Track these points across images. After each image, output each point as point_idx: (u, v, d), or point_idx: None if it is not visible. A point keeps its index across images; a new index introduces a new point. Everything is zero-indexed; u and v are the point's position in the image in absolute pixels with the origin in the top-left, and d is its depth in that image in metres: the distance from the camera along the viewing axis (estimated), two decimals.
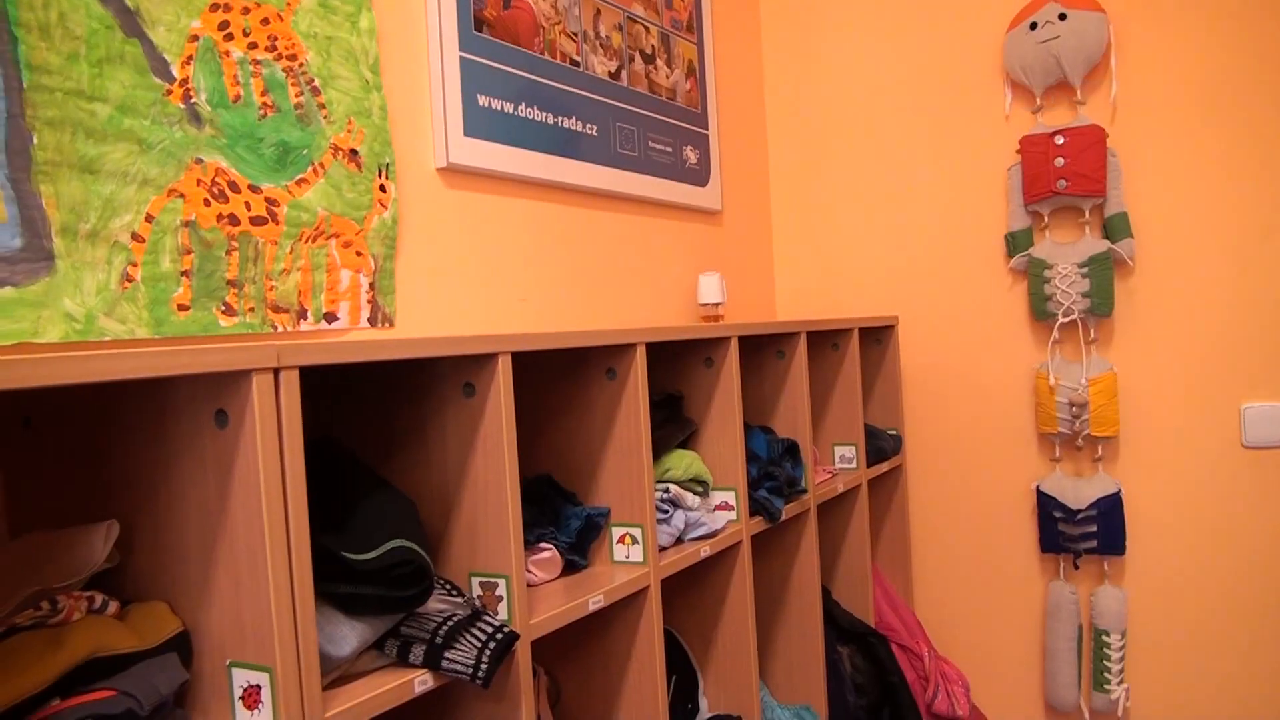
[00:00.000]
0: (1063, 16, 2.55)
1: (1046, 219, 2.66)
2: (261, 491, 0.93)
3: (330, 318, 1.55)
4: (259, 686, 0.95)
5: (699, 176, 2.58)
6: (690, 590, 1.87)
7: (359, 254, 1.60)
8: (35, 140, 1.19)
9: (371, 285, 1.62)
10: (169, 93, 1.33)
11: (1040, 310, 2.65)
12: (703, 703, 1.85)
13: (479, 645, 1.14)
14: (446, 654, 1.12)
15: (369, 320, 1.62)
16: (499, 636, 1.16)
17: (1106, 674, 2.60)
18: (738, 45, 2.88)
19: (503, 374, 1.23)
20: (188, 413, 0.97)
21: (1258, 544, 2.52)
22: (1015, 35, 2.63)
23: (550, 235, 2.05)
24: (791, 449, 2.04)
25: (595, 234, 2.19)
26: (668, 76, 2.45)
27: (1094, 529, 2.60)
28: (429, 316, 1.73)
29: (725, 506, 1.80)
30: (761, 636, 2.16)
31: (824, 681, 2.13)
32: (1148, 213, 2.56)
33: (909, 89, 2.85)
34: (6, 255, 1.16)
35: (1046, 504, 2.65)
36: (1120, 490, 2.59)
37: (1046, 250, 2.63)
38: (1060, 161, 2.56)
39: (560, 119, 2.05)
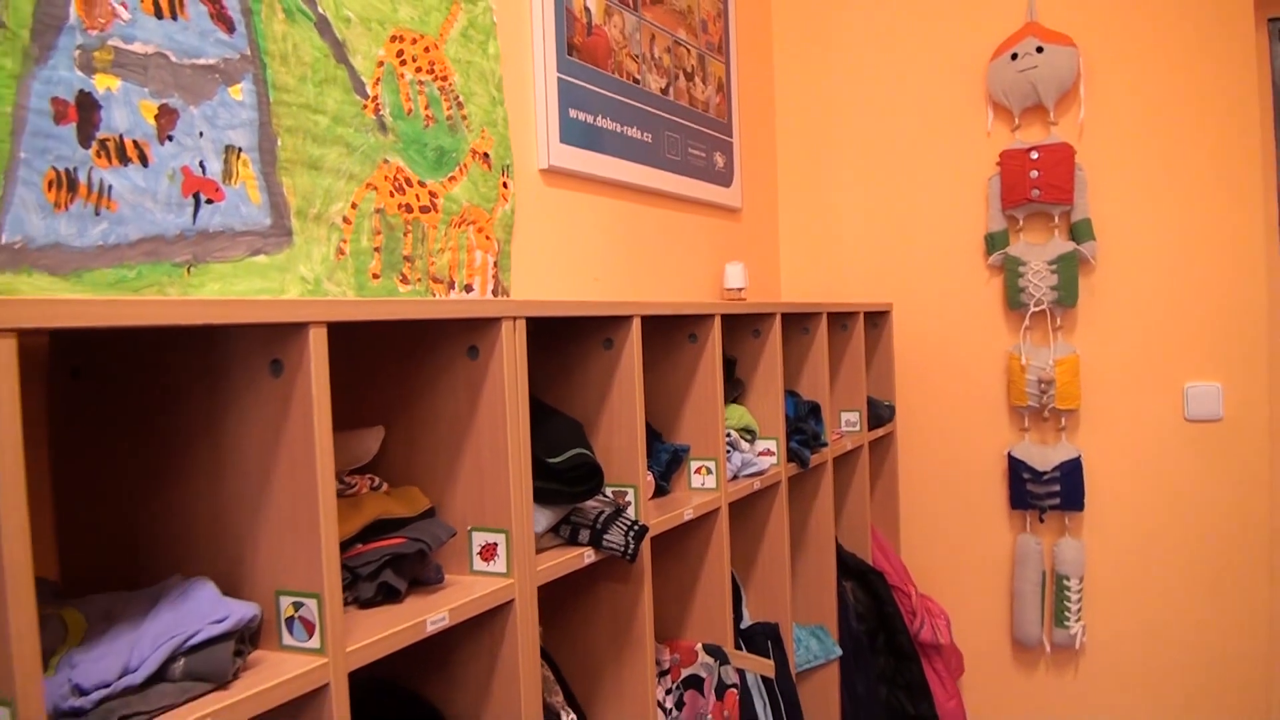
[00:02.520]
0: (1040, 49, 2.96)
1: (1021, 222, 3.08)
2: (505, 409, 1.30)
3: (468, 288, 1.92)
4: (495, 544, 1.33)
5: (725, 178, 2.97)
6: (736, 521, 2.26)
7: (487, 238, 1.97)
8: (279, 143, 1.55)
9: (495, 264, 2.00)
10: (365, 107, 1.70)
11: (1014, 301, 3.07)
12: (745, 613, 2.25)
13: (625, 532, 1.52)
14: (605, 537, 1.50)
15: (492, 291, 1.99)
16: (636, 528, 1.54)
17: (1066, 613, 3.03)
18: (755, 65, 3.27)
19: (634, 334, 1.61)
20: (446, 351, 1.34)
21: (1197, 503, 2.96)
22: (998, 64, 3.05)
23: (616, 226, 2.43)
24: (815, 410, 2.43)
25: (647, 226, 2.57)
26: (703, 91, 2.84)
27: (1057, 489, 3.02)
28: (532, 290, 2.10)
29: (768, 453, 2.19)
30: None
31: (835, 608, 2.53)
32: (1108, 219, 2.99)
33: (902, 107, 3.26)
34: (260, 231, 1.52)
35: (1016, 467, 3.07)
36: (1080, 456, 3.02)
37: (1021, 249, 3.05)
38: (1034, 174, 2.98)
39: (625, 128, 2.43)
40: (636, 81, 2.49)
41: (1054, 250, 2.99)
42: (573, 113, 2.22)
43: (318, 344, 1.02)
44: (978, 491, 3.19)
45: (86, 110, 1.27)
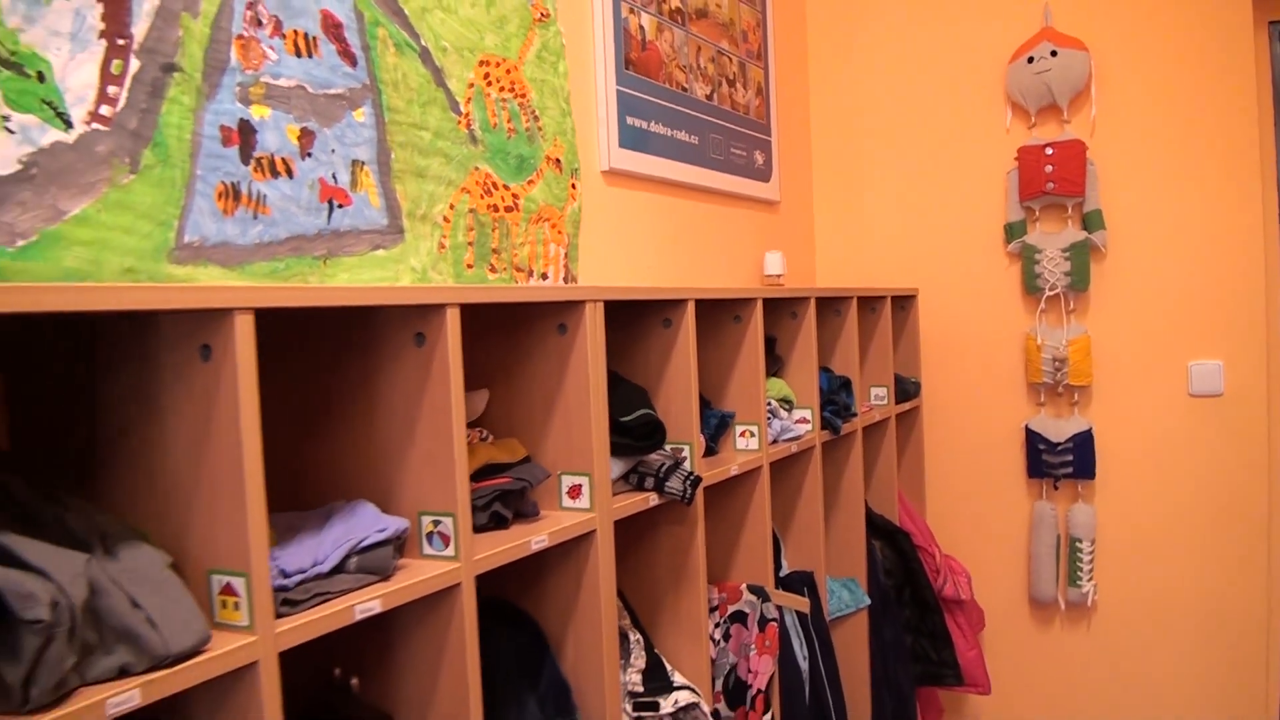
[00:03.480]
0: (1054, 53, 3.22)
1: (1037, 213, 3.34)
2: (589, 375, 1.60)
3: (544, 276, 2.22)
4: (580, 485, 1.63)
5: (764, 174, 3.25)
6: (775, 481, 2.55)
7: (559, 232, 2.27)
8: (393, 155, 1.85)
9: (565, 254, 2.29)
10: (459, 122, 2.00)
11: (1031, 285, 3.33)
12: (784, 562, 2.54)
13: (683, 480, 1.82)
14: (667, 484, 1.79)
15: (563, 279, 2.29)
16: (693, 477, 1.84)
17: (1079, 573, 3.30)
18: (790, 70, 3.55)
19: (689, 315, 1.91)
20: (539, 328, 1.64)
21: (1199, 471, 3.21)
22: (1015, 67, 3.31)
23: (667, 220, 2.71)
24: (846, 384, 2.71)
25: (694, 219, 2.86)
26: (743, 96, 3.12)
27: (1070, 459, 3.29)
28: (596, 276, 2.40)
29: (803, 421, 2.48)
30: None
31: (864, 562, 2.81)
32: (1118, 210, 3.25)
33: (927, 107, 3.52)
34: (379, 229, 1.82)
35: (1033, 439, 3.34)
36: (1092, 428, 3.28)
37: (1037, 238, 3.31)
38: (1049, 168, 3.24)
39: (675, 132, 2.72)
40: (684, 89, 2.77)
41: (1068, 239, 3.25)
42: (629, 120, 2.51)
43: (453, 321, 1.32)
44: (997, 461, 3.46)
45: (246, 135, 1.58)
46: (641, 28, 2.57)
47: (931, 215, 3.54)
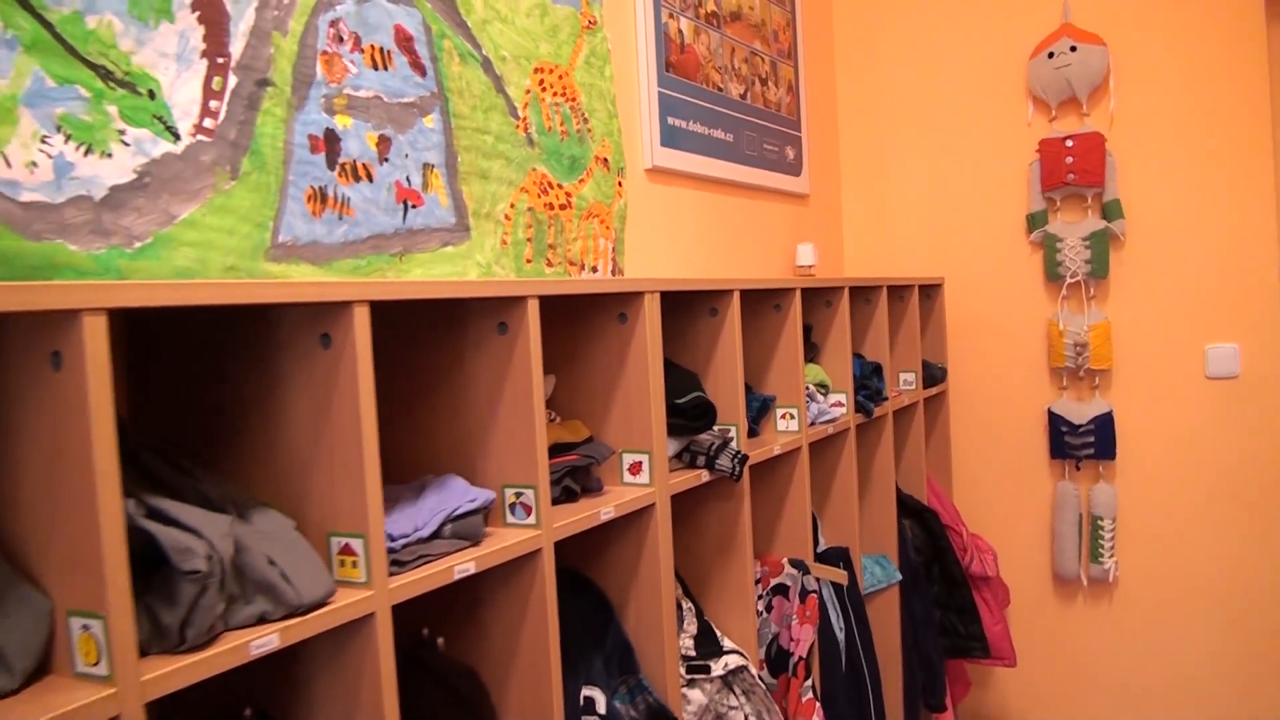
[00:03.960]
0: (1074, 48, 3.33)
1: (1058, 203, 3.46)
2: (648, 360, 1.73)
3: (594, 269, 2.35)
4: (640, 462, 1.76)
5: (795, 169, 3.37)
6: (812, 462, 2.67)
7: (607, 228, 2.40)
8: (459, 159, 1.99)
9: (613, 248, 2.43)
10: (518, 126, 2.13)
11: (1053, 273, 3.45)
12: (821, 539, 2.67)
13: (731, 458, 1.95)
14: (717, 461, 1.93)
15: (611, 271, 2.42)
16: (740, 455, 1.97)
17: (1101, 550, 3.42)
18: (819, 68, 3.67)
19: (735, 305, 2.04)
20: (600, 317, 1.77)
21: (1216, 451, 3.33)
22: (1036, 62, 3.42)
23: (705, 214, 2.84)
24: (877, 369, 2.84)
25: (730, 212, 2.99)
26: (775, 94, 3.24)
27: (1092, 440, 3.41)
28: (640, 269, 2.53)
29: (839, 404, 2.61)
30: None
31: (895, 540, 2.94)
32: (1136, 199, 3.36)
33: (951, 102, 3.64)
34: (448, 227, 1.96)
35: (1055, 421, 3.46)
36: (1112, 410, 3.40)
37: (1058, 227, 3.43)
38: (1069, 160, 3.36)
39: (712, 130, 2.85)
40: (720, 89, 2.90)
41: (1088, 228, 3.37)
42: (670, 120, 2.64)
43: (533, 311, 1.46)
44: (1021, 443, 3.59)
45: (331, 142, 1.72)
46: (680, 31, 2.70)
47: (956, 206, 3.66)
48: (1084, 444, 3.42)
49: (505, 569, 1.49)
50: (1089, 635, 3.54)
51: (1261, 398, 3.26)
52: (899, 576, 2.91)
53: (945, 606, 3.17)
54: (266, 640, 1.07)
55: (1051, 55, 3.38)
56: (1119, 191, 3.36)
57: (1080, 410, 3.43)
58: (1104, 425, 3.40)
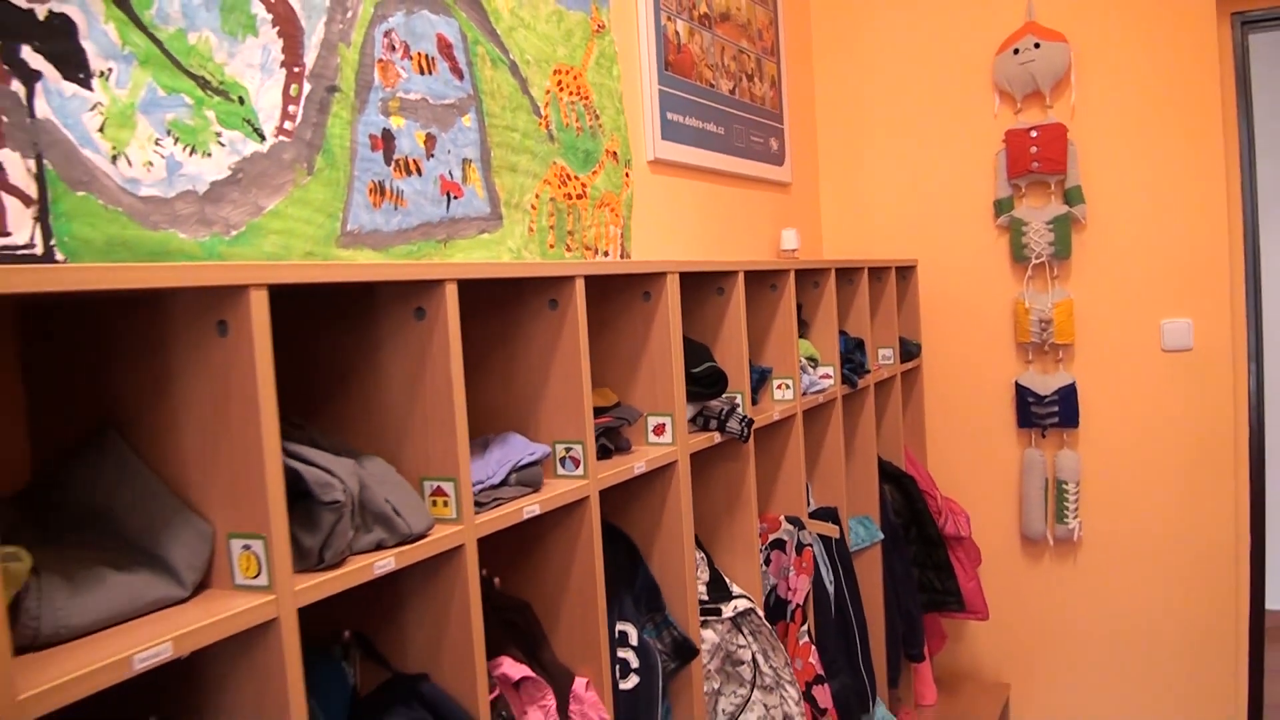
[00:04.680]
0: (1037, 45, 3.58)
1: (1024, 189, 3.71)
2: (670, 333, 1.95)
3: (605, 253, 2.57)
4: (664, 424, 1.99)
5: (778, 159, 3.60)
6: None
7: (617, 215, 2.62)
8: (492, 154, 2.20)
9: (621, 234, 2.64)
10: (540, 124, 2.34)
11: (1019, 255, 3.70)
12: (811, 499, 2.90)
13: (740, 421, 2.17)
14: (727, 425, 2.15)
15: (620, 255, 2.64)
16: (747, 419, 2.20)
17: (1066, 511, 3.69)
18: (799, 64, 3.89)
19: (740, 284, 2.26)
20: (625, 296, 1.99)
21: (1172, 419, 3.60)
22: (1002, 58, 3.67)
23: (701, 202, 3.06)
24: (860, 344, 3.08)
25: (721, 200, 3.21)
26: (760, 89, 3.47)
27: (1056, 410, 3.67)
28: (645, 253, 2.75)
29: (826, 376, 2.84)
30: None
31: (877, 503, 3.18)
32: (1096, 185, 3.62)
33: (922, 95, 3.88)
34: (484, 216, 2.17)
35: (1022, 393, 3.72)
36: (1075, 382, 3.66)
37: (1023, 212, 3.68)
38: (1034, 149, 3.60)
39: (705, 124, 3.06)
40: (712, 86, 3.12)
41: (1051, 212, 3.62)
42: (669, 115, 2.86)
43: (580, 290, 1.68)
44: (990, 413, 3.84)
45: (388, 141, 1.92)
46: (677, 33, 2.91)
47: (928, 193, 3.90)
48: (1049, 413, 3.68)
49: (558, 514, 1.71)
50: (1055, 590, 3.81)
51: (1212, 368, 3.53)
52: (881, 536, 3.15)
53: (923, 564, 3.42)
54: (385, 562, 1.29)
55: (1017, 51, 3.63)
56: (1080, 178, 3.61)
57: (1045, 382, 3.69)
58: (1067, 396, 3.65)
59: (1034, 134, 3.60)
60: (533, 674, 1.63)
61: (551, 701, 1.65)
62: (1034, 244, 3.65)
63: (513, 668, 1.61)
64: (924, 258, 3.90)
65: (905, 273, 3.77)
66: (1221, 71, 3.50)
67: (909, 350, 3.63)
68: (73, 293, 0.99)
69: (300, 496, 1.24)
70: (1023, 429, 3.79)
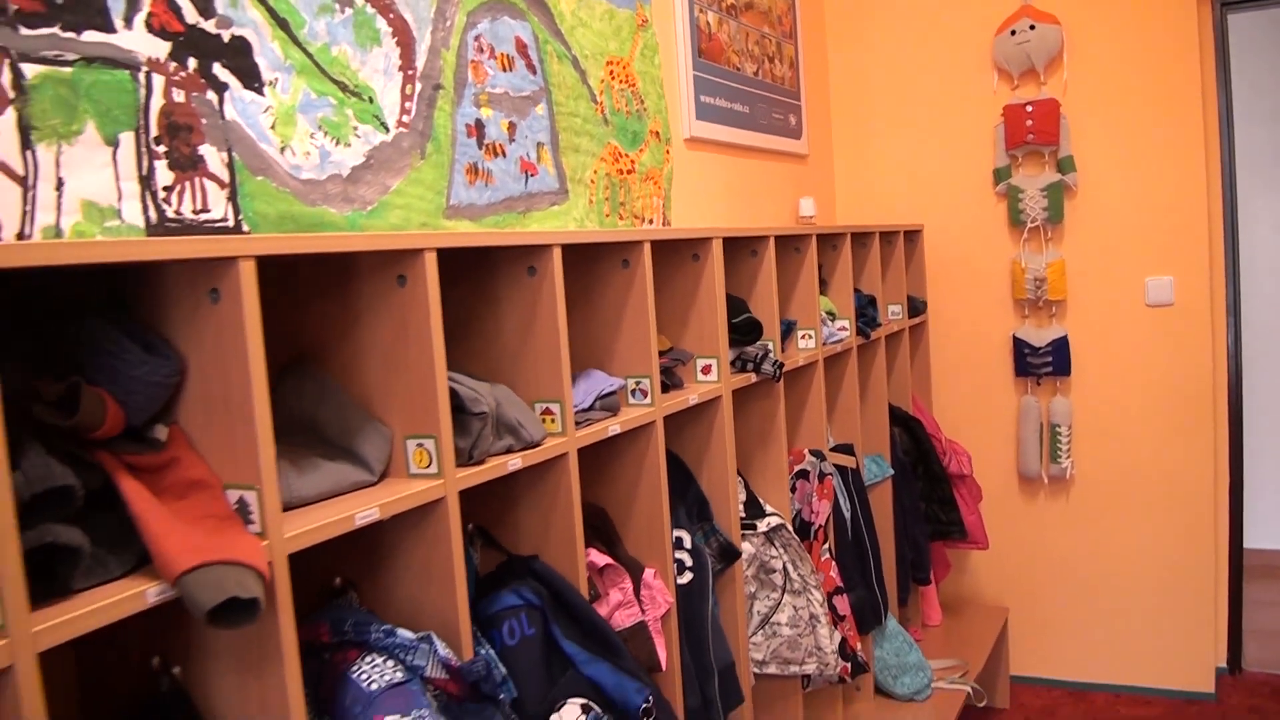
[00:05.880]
0: (1033, 27, 3.93)
1: (1020, 159, 4.07)
2: (716, 289, 2.33)
3: (650, 222, 2.94)
4: (710, 365, 2.37)
5: (796, 133, 3.96)
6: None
7: (659, 188, 2.99)
8: (560, 137, 2.57)
9: (663, 204, 3.02)
10: (597, 109, 2.71)
11: (1015, 219, 4.07)
12: (830, 438, 3.29)
13: (773, 364, 2.56)
14: (762, 367, 2.53)
15: (662, 223, 3.01)
16: (779, 363, 2.58)
17: (1059, 452, 4.07)
18: (814, 46, 4.25)
19: (770, 248, 2.63)
20: (677, 257, 2.37)
21: (1154, 368, 3.98)
22: (1000, 39, 4.02)
23: (729, 174, 3.43)
24: (872, 301, 3.45)
25: (746, 173, 3.58)
26: (779, 69, 3.82)
27: (1050, 360, 4.05)
28: (682, 221, 3.12)
29: (843, 328, 3.22)
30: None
31: (888, 442, 3.57)
32: (1086, 155, 3.98)
33: (927, 73, 4.23)
34: (554, 192, 2.54)
35: (1019, 345, 4.10)
36: (1067, 334, 4.04)
37: (1020, 180, 4.04)
38: (1029, 122, 3.96)
39: (733, 104, 3.43)
40: (738, 69, 3.48)
41: (1045, 180, 3.99)
42: (702, 98, 3.22)
43: (647, 252, 2.05)
44: (990, 363, 4.23)
45: (480, 129, 2.30)
46: (708, 23, 3.27)
47: (932, 163, 4.26)
48: (1043, 363, 4.06)
49: (631, 434, 2.10)
50: (1050, 524, 4.21)
51: (1192, 322, 3.91)
52: (891, 472, 3.54)
53: (929, 499, 3.81)
54: (515, 461, 1.68)
55: (1014, 33, 3.98)
56: (1071, 149, 3.97)
57: (1040, 335, 4.06)
58: (1060, 347, 4.03)
59: (1029, 108, 3.96)
60: (613, 562, 2.03)
61: (629, 585, 2.04)
62: (1029, 209, 4.02)
63: (598, 557, 2.01)
64: (929, 222, 4.27)
65: (912, 236, 4.13)
66: (1201, 50, 3.85)
67: (916, 306, 4.01)
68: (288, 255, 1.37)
69: (454, 411, 1.62)
70: (1019, 377, 4.17)
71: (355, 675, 1.47)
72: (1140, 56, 3.87)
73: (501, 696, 1.56)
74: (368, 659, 1.49)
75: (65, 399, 1.20)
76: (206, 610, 1.12)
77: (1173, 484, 3.98)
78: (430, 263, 1.51)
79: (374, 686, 1.46)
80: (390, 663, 1.49)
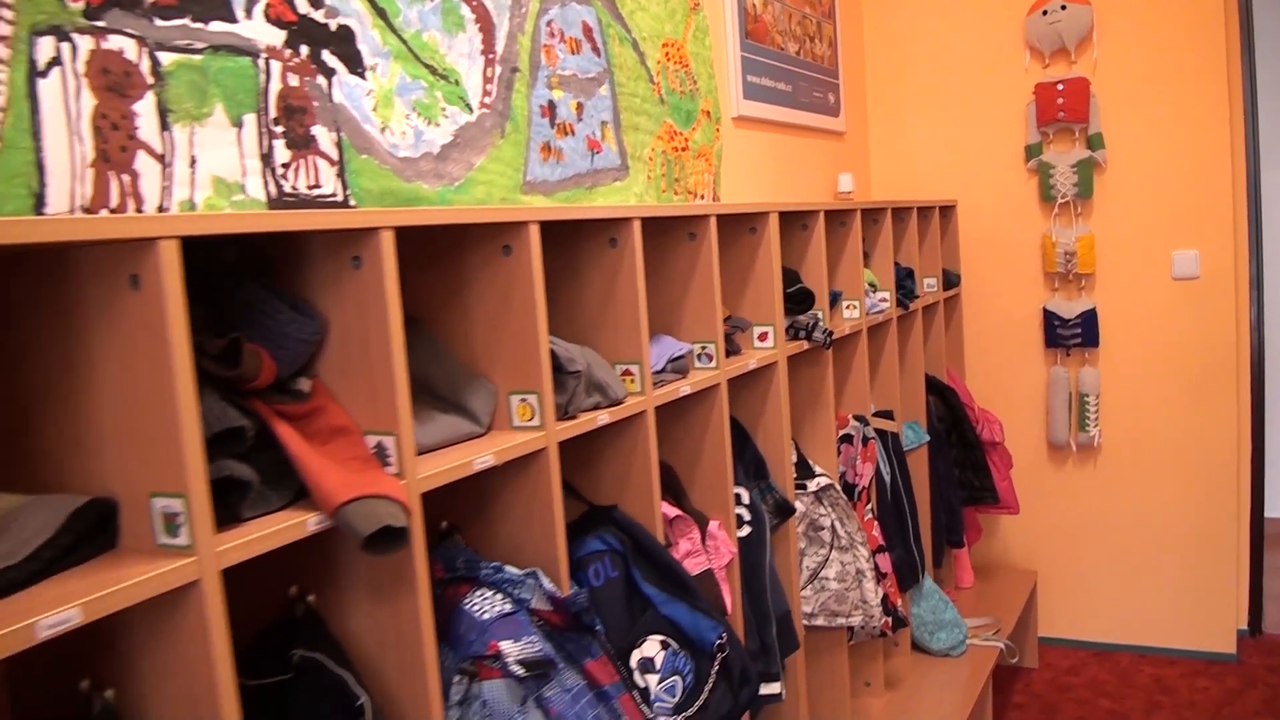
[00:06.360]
0: (1064, 7, 4.04)
1: (1051, 136, 4.19)
2: (773, 262, 2.47)
3: (701, 197, 3.09)
4: (767, 333, 2.51)
5: (834, 110, 4.09)
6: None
7: (710, 164, 3.13)
8: (621, 117, 2.71)
9: (713, 180, 3.16)
10: (653, 90, 2.85)
11: (1046, 194, 4.19)
12: (871, 404, 3.43)
13: (823, 333, 2.70)
14: (813, 334, 2.68)
15: (712, 198, 3.15)
16: (829, 331, 2.72)
17: (1087, 421, 4.21)
18: (852, 25, 4.37)
19: (821, 222, 2.77)
20: (734, 230, 2.51)
21: (1180, 339, 4.10)
22: (1033, 18, 4.13)
23: (774, 151, 3.57)
24: (910, 273, 3.59)
25: (789, 149, 3.71)
26: (819, 49, 3.95)
27: (1079, 331, 4.18)
28: (731, 196, 3.26)
29: (884, 300, 3.36)
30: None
31: (924, 410, 3.71)
32: (1115, 132, 4.10)
33: (961, 52, 4.35)
34: (616, 168, 2.68)
35: (1049, 317, 4.23)
36: (1096, 307, 4.17)
37: (1051, 156, 4.17)
38: (1060, 100, 4.08)
39: (777, 83, 3.56)
40: (782, 49, 3.61)
41: (1075, 156, 4.11)
42: (750, 78, 3.36)
43: (713, 226, 2.20)
44: (1021, 335, 4.36)
45: (552, 109, 2.44)
46: (754, 5, 3.40)
47: (966, 140, 4.38)
48: (1072, 335, 4.19)
49: (698, 395, 2.25)
50: (1078, 490, 4.35)
51: (1216, 294, 4.03)
52: (927, 438, 3.69)
53: (962, 465, 3.96)
54: (603, 417, 1.83)
55: (1045, 13, 4.09)
56: (1101, 126, 4.09)
57: (1069, 307, 4.19)
58: (1089, 319, 4.16)
59: (1060, 87, 4.07)
60: (682, 514, 2.18)
61: (696, 535, 2.20)
62: (1060, 185, 4.14)
63: (668, 509, 2.16)
64: (963, 198, 4.39)
65: (947, 211, 4.26)
66: (1227, 28, 3.96)
67: (950, 279, 4.14)
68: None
69: (553, 370, 1.77)
70: (1049, 349, 4.30)
71: (468, 607, 1.63)
72: (1167, 35, 3.98)
73: (598, 628, 1.72)
74: (478, 593, 1.65)
75: (227, 353, 1.35)
76: (365, 537, 1.27)
77: (1196, 453, 4.11)
78: (534, 234, 1.65)
79: (486, 616, 1.62)
80: (499, 596, 1.65)
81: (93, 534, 1.21)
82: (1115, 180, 4.11)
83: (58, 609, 1.02)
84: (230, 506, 1.27)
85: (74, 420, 1.23)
